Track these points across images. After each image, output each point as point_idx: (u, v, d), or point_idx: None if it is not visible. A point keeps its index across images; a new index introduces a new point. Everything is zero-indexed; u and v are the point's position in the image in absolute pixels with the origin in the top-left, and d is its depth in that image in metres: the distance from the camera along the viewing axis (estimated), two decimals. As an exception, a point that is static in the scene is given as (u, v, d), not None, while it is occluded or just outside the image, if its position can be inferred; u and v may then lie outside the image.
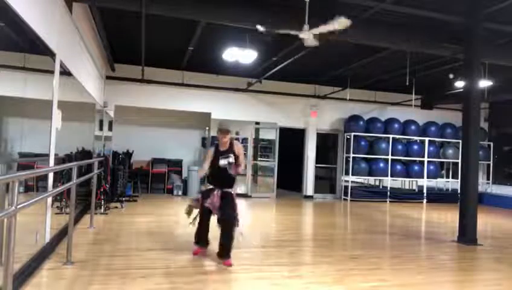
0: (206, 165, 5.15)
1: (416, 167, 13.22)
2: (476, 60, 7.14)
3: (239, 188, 12.32)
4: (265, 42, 8.21)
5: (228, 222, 4.94)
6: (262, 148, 13.16)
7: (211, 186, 5.10)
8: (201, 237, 5.22)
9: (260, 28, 5.69)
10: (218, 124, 5.24)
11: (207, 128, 12.48)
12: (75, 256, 4.68)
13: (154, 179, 12.12)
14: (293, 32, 5.59)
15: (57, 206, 5.63)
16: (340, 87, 12.34)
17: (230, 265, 4.79)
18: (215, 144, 5.25)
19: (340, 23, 5.11)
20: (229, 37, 8.21)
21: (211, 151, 5.20)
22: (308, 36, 5.50)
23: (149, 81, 11.44)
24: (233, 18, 6.76)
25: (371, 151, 12.96)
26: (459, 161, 10.52)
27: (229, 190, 5.07)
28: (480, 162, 11.00)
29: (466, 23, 7.03)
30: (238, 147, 5.18)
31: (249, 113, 12.38)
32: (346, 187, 12.80)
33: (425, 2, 6.52)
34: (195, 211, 5.28)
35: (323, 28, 5.28)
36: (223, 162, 4.98)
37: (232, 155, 5.00)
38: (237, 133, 13.10)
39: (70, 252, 4.60)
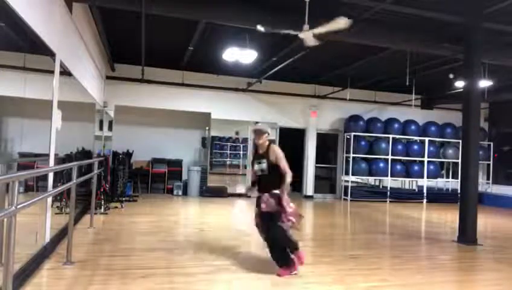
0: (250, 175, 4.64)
1: (416, 167, 13.22)
2: (476, 60, 7.14)
3: (239, 189, 12.36)
4: (266, 42, 8.21)
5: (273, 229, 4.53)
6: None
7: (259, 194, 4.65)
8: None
9: (260, 27, 5.68)
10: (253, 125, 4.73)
11: (207, 128, 12.49)
12: (75, 256, 4.68)
13: (154, 179, 12.12)
14: (293, 32, 5.59)
15: (57, 206, 5.63)
16: (340, 87, 12.34)
17: (280, 275, 4.47)
18: (253, 145, 4.80)
19: (340, 23, 5.09)
20: (229, 37, 8.22)
21: (252, 153, 4.75)
22: (308, 36, 5.50)
23: (149, 81, 11.44)
24: (233, 18, 6.77)
25: (370, 151, 12.95)
26: (459, 161, 10.53)
27: (276, 191, 4.54)
28: (480, 162, 10.99)
29: (466, 23, 7.03)
30: (274, 151, 4.57)
31: (249, 113, 12.38)
32: (346, 187, 12.80)
33: (425, 2, 6.52)
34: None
35: (324, 28, 5.27)
36: (257, 167, 4.60)
37: (265, 161, 4.56)
38: (237, 133, 13.09)
39: (70, 252, 4.60)
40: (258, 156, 4.67)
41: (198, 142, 13.07)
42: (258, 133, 4.65)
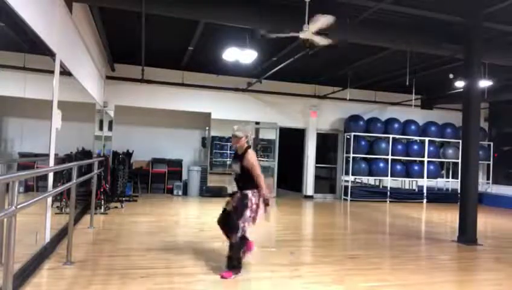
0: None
1: (416, 167, 13.22)
2: (476, 60, 7.14)
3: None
4: (266, 42, 8.21)
5: (228, 227, 4.58)
6: (262, 148, 13.16)
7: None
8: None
9: (264, 33, 5.69)
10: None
11: (207, 128, 12.49)
12: (75, 256, 4.68)
13: (154, 179, 12.12)
14: (293, 34, 5.60)
15: (57, 206, 5.63)
16: (340, 87, 12.34)
17: (224, 277, 4.39)
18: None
19: (323, 21, 5.12)
20: (229, 37, 8.21)
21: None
22: (309, 36, 5.50)
23: (149, 81, 11.44)
24: (233, 18, 6.76)
25: (371, 151, 12.95)
26: (459, 161, 10.53)
27: (246, 191, 4.55)
28: (480, 162, 11.00)
29: (466, 23, 7.03)
30: (248, 159, 4.53)
31: (249, 113, 12.38)
32: (346, 187, 12.81)
33: (425, 2, 6.52)
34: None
35: (316, 24, 5.29)
36: (233, 167, 4.74)
37: (239, 163, 4.59)
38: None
39: (70, 252, 4.60)
40: (235, 157, 4.77)
41: (198, 142, 13.07)
42: (233, 138, 4.69)
